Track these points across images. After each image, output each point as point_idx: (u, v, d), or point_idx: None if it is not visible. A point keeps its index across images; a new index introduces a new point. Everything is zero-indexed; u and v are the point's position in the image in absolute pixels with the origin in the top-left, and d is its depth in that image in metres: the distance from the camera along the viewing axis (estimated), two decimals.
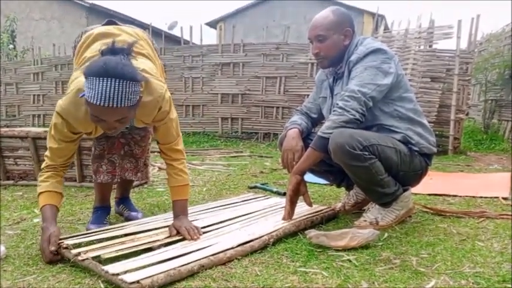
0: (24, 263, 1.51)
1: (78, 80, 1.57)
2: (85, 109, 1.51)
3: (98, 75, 1.36)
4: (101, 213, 1.99)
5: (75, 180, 2.89)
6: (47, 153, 1.68)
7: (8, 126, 6.73)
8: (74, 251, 1.47)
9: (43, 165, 1.70)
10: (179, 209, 1.75)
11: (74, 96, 1.53)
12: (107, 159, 1.96)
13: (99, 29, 1.82)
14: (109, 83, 1.36)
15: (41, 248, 1.55)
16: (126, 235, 1.66)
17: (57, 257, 1.50)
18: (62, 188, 1.71)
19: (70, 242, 1.55)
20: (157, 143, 1.77)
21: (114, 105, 1.38)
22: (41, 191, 1.66)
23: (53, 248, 1.49)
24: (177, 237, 1.64)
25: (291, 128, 1.99)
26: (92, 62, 1.44)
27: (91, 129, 1.64)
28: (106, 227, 1.78)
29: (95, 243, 1.56)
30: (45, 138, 2.84)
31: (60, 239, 1.56)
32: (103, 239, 1.62)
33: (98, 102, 1.37)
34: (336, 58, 1.89)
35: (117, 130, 1.56)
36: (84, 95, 1.41)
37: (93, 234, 1.67)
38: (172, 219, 1.74)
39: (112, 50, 1.43)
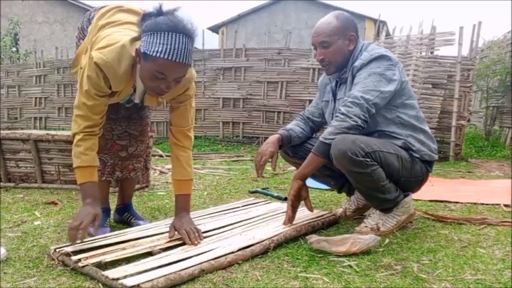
0: (25, 266, 1.50)
1: (115, 36, 1.53)
2: (126, 66, 1.51)
3: (169, 30, 1.37)
4: (102, 216, 1.98)
5: (76, 183, 2.88)
6: (79, 112, 1.57)
7: (9, 129, 6.75)
8: (74, 258, 1.46)
9: (76, 129, 1.58)
10: (181, 205, 1.75)
11: (119, 50, 1.48)
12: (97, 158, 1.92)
13: (114, 3, 1.79)
14: (181, 38, 1.38)
15: (77, 219, 1.52)
16: (127, 241, 1.65)
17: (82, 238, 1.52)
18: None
19: (71, 249, 1.54)
20: (170, 125, 1.76)
21: (184, 61, 1.41)
22: (82, 165, 1.57)
23: (92, 230, 1.51)
24: (178, 242, 1.64)
25: (275, 134, 2.03)
26: (153, 21, 1.43)
27: (121, 89, 1.59)
28: (107, 234, 1.76)
29: (95, 250, 1.55)
30: (46, 141, 2.87)
31: (61, 247, 1.56)
32: (104, 245, 1.60)
33: (170, 57, 1.38)
34: (341, 63, 1.89)
35: (163, 94, 1.53)
36: (147, 50, 1.40)
37: (94, 240, 1.65)
38: (166, 224, 1.73)
39: (161, 12, 1.45)
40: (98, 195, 1.62)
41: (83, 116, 1.58)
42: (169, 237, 1.67)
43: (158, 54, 1.39)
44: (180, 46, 1.39)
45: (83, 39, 1.82)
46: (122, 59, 1.50)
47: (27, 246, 1.72)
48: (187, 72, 1.54)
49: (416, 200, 2.37)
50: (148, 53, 1.41)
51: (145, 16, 1.50)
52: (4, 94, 7.71)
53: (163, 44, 1.38)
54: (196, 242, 1.60)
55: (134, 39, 1.53)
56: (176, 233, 1.68)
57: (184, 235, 1.63)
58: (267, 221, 1.95)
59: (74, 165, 1.61)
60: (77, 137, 1.59)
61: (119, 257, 1.47)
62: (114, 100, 1.67)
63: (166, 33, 1.38)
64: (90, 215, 1.55)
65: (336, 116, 1.79)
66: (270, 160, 1.94)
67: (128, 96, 1.74)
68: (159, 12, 1.47)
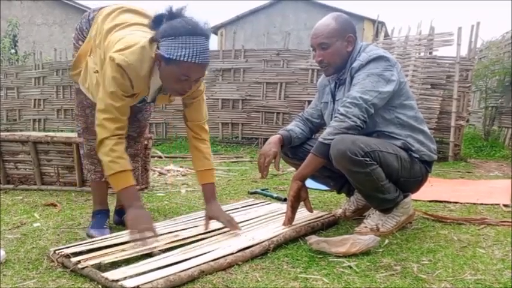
0: (24, 268, 1.50)
1: (131, 37, 1.55)
2: (147, 67, 1.55)
3: (189, 34, 1.45)
4: (101, 217, 1.98)
5: (76, 185, 2.89)
6: (107, 116, 1.55)
7: (8, 131, 6.74)
8: (74, 259, 1.45)
9: (106, 133, 1.54)
10: (209, 193, 1.84)
11: (141, 52, 1.52)
12: (96, 159, 1.87)
13: (115, 5, 1.79)
14: (201, 40, 1.47)
15: (142, 222, 1.56)
16: (126, 242, 1.65)
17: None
18: None
19: (70, 250, 1.54)
20: (186, 121, 1.83)
21: (206, 61, 1.49)
22: (123, 169, 1.55)
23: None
24: (177, 243, 1.64)
25: (276, 134, 2.02)
26: (169, 25, 1.48)
27: (140, 90, 1.62)
28: (107, 236, 1.76)
29: (95, 251, 1.54)
30: (46, 143, 2.87)
31: (60, 248, 1.56)
32: (103, 246, 1.60)
33: (194, 60, 1.46)
34: (340, 65, 1.90)
35: (184, 94, 1.63)
36: (170, 55, 1.46)
37: (94, 242, 1.65)
38: (172, 225, 1.74)
39: (172, 14, 1.50)
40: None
41: (112, 118, 1.56)
42: (205, 229, 1.76)
43: (182, 58, 1.46)
44: (201, 48, 1.47)
45: (82, 41, 1.82)
46: (144, 61, 1.54)
47: (27, 248, 1.72)
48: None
49: (416, 201, 2.37)
50: (171, 57, 1.47)
51: (157, 18, 1.53)
52: (3, 96, 7.69)
53: (185, 48, 1.45)
54: (238, 227, 1.75)
55: (151, 40, 1.55)
56: (210, 224, 1.79)
57: (225, 223, 1.76)
58: (266, 222, 1.95)
59: (114, 171, 1.55)
60: (110, 142, 1.55)
61: (118, 259, 1.47)
62: (131, 102, 1.67)
63: (186, 37, 1.46)
64: (150, 219, 1.63)
65: (335, 117, 1.79)
66: (273, 161, 1.94)
67: (142, 97, 1.75)
68: (171, 14, 1.51)
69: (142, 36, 1.58)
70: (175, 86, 1.56)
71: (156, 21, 1.54)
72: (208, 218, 1.82)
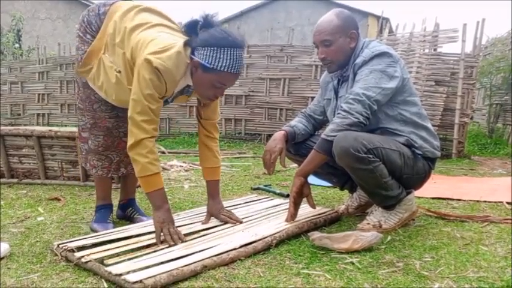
0: (28, 261, 1.51)
1: (163, 40, 1.58)
2: (182, 72, 1.60)
3: (231, 46, 1.53)
4: (104, 212, 1.99)
5: (79, 179, 2.90)
6: (144, 117, 1.57)
7: (12, 125, 6.77)
8: (78, 254, 1.47)
9: (145, 134, 1.57)
10: (214, 190, 1.93)
11: (177, 56, 1.56)
12: (104, 156, 1.91)
13: (130, 2, 1.79)
14: (239, 52, 1.55)
15: (172, 221, 1.65)
16: (130, 237, 1.66)
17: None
18: None
19: (74, 244, 1.55)
20: (200, 118, 1.89)
21: (241, 72, 1.59)
22: (157, 172, 1.61)
23: (180, 242, 1.58)
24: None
25: (280, 130, 2.02)
26: (210, 34, 1.55)
27: (171, 93, 1.68)
28: (110, 230, 1.77)
29: (98, 245, 1.55)
30: (49, 137, 2.88)
31: (64, 242, 1.57)
32: (106, 241, 1.61)
33: (234, 71, 1.55)
34: (343, 61, 1.89)
35: (215, 100, 1.75)
36: (211, 64, 1.53)
37: (97, 236, 1.67)
38: (175, 220, 1.74)
39: (208, 21, 1.58)
40: None
41: (149, 120, 1.59)
42: (204, 223, 1.81)
43: (223, 68, 1.54)
44: (239, 60, 1.56)
45: (90, 35, 1.78)
46: (179, 66, 1.57)
47: (31, 241, 1.73)
48: None
49: (419, 198, 2.37)
50: (211, 66, 1.54)
51: (191, 24, 1.59)
52: (7, 90, 7.72)
53: (226, 59, 1.53)
54: (240, 221, 1.82)
55: (185, 45, 1.59)
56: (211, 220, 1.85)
57: (225, 219, 1.83)
58: (269, 217, 1.96)
59: (150, 173, 1.59)
60: (149, 144, 1.59)
61: (121, 255, 1.47)
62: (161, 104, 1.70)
63: (229, 49, 1.53)
64: (173, 223, 1.66)
65: (338, 113, 1.79)
66: (278, 157, 1.94)
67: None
68: (207, 22, 1.58)
69: (172, 39, 1.61)
70: (209, 92, 1.64)
71: (190, 27, 1.61)
72: (209, 214, 1.88)
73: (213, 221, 1.87)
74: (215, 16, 1.61)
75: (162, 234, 1.60)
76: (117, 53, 1.68)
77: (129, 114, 1.60)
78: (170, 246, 1.54)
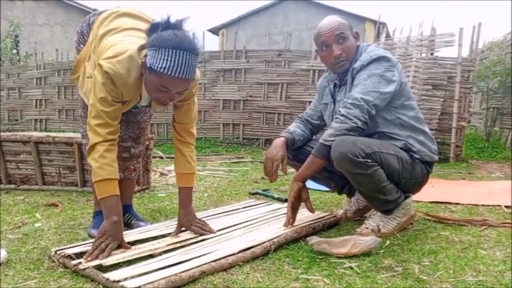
0: (26, 268, 1.50)
1: (121, 45, 1.55)
2: (135, 75, 1.54)
3: (174, 48, 1.43)
4: (102, 217, 1.98)
5: (77, 185, 2.89)
6: (98, 121, 1.55)
7: (10, 131, 6.75)
8: (75, 260, 1.46)
9: (97, 138, 1.54)
10: (186, 198, 1.82)
11: (127, 61, 1.52)
12: None
13: (114, 8, 1.80)
14: (185, 55, 1.44)
15: (114, 235, 1.53)
16: (128, 243, 1.65)
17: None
18: None
19: (72, 251, 1.54)
20: (174, 122, 1.80)
21: (187, 77, 1.46)
22: (109, 177, 1.55)
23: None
24: (178, 244, 1.64)
25: (280, 137, 2.01)
26: (159, 35, 1.48)
27: (131, 97, 1.63)
28: None
29: None
30: (47, 143, 2.87)
31: (61, 249, 1.56)
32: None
33: (174, 74, 1.44)
34: (353, 59, 1.89)
35: (167, 104, 1.60)
36: (152, 65, 1.45)
37: None
38: (173, 226, 1.74)
39: (168, 24, 1.50)
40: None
41: (103, 123, 1.56)
42: (173, 236, 1.72)
43: (162, 70, 1.44)
44: (183, 63, 1.45)
45: (83, 44, 1.83)
46: (131, 69, 1.53)
47: (28, 248, 1.72)
48: (191, 84, 1.58)
49: (417, 202, 2.37)
50: (153, 67, 1.46)
51: (154, 26, 1.54)
52: (4, 96, 7.71)
53: (167, 60, 1.44)
54: (212, 231, 1.75)
55: (141, 48, 1.55)
56: (181, 233, 1.74)
57: (197, 231, 1.74)
58: (267, 222, 1.95)
59: (100, 178, 1.54)
60: (101, 148, 1.55)
61: (119, 260, 1.47)
62: (124, 109, 1.68)
63: (171, 50, 1.44)
64: (118, 239, 1.55)
65: (336, 118, 1.79)
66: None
67: (135, 103, 1.75)
68: (167, 25, 1.51)
69: (133, 42, 1.58)
70: (155, 95, 1.55)
71: (152, 29, 1.54)
72: (180, 225, 1.78)
73: (186, 234, 1.77)
74: (183, 21, 1.52)
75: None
76: (92, 60, 1.70)
77: (87, 119, 1.60)
78: (88, 262, 1.44)
